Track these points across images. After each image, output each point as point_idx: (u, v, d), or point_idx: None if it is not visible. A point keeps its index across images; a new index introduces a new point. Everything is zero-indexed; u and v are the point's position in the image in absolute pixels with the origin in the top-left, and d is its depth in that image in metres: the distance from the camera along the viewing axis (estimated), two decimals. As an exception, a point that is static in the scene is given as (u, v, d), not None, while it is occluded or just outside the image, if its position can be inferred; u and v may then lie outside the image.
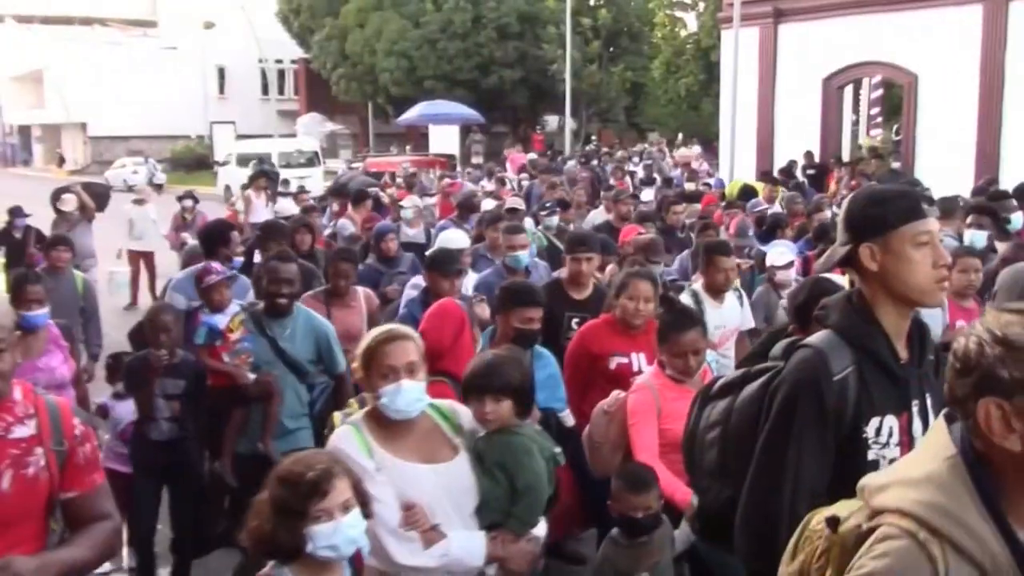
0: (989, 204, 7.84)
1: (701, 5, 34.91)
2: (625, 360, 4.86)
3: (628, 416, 4.16)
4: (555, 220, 9.46)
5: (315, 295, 6.22)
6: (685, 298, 5.67)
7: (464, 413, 3.27)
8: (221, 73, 50.18)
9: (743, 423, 2.59)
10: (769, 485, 2.40)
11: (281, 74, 50.75)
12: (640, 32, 39.72)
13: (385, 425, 3.07)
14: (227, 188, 16.77)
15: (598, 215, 10.80)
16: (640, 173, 20.27)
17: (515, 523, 3.25)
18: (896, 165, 19.00)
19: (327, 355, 5.23)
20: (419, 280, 6.46)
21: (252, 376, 5.04)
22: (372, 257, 8.16)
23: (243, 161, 29.71)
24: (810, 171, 19.51)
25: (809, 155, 20.09)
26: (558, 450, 3.44)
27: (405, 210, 10.39)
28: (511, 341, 4.65)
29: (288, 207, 12.06)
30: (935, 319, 4.93)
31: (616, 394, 4.29)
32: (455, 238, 7.24)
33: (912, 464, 1.75)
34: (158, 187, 37.17)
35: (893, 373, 2.41)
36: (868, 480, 1.79)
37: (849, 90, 22.19)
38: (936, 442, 1.73)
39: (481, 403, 3.25)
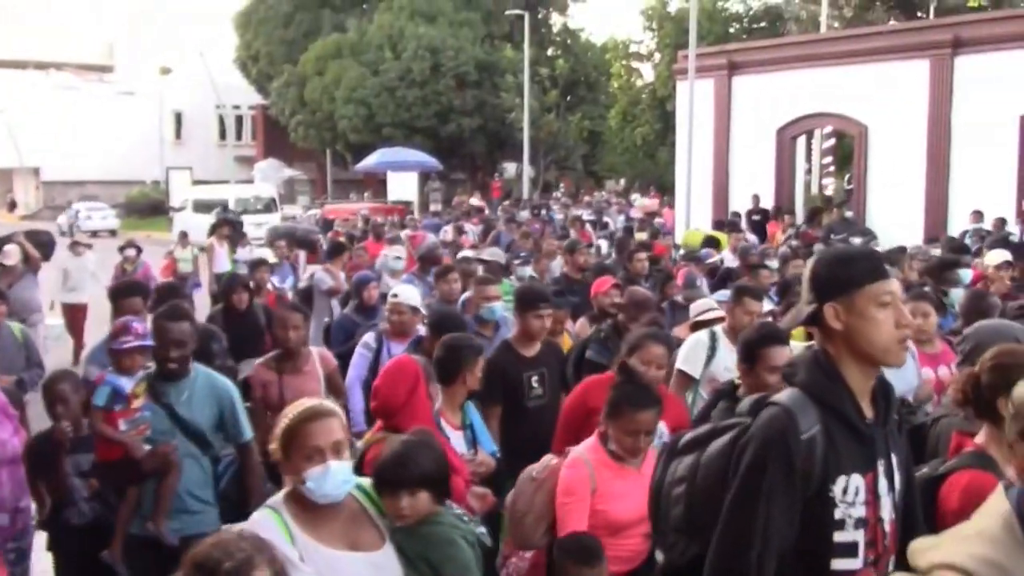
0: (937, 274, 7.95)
1: (656, 56, 35.52)
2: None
3: (559, 493, 3.83)
4: (528, 271, 9.38)
5: (264, 362, 5.72)
6: (702, 337, 5.55)
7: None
8: (178, 118, 49.97)
9: (710, 478, 2.56)
10: (737, 542, 2.38)
11: (239, 120, 50.66)
12: (597, 82, 40.35)
13: (307, 508, 2.80)
14: (183, 234, 16.50)
15: (556, 266, 10.74)
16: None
17: None
18: (849, 214, 19.33)
19: (231, 421, 4.62)
20: (370, 339, 6.18)
21: (147, 448, 4.48)
22: (350, 307, 7.93)
23: (200, 207, 29.54)
24: (755, 216, 19.81)
25: (756, 199, 20.40)
26: (482, 530, 3.25)
27: (397, 260, 9.86)
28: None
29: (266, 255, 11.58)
30: (907, 371, 4.94)
31: (547, 459, 3.99)
32: (409, 294, 6.53)
33: (965, 523, 1.78)
34: (111, 232, 36.85)
35: (859, 432, 2.42)
36: (917, 543, 1.80)
37: (802, 140, 22.62)
38: (992, 502, 1.76)
39: (396, 498, 2.96)
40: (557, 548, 3.57)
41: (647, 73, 36.95)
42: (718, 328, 5.74)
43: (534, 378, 5.35)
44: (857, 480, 2.39)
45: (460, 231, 17.54)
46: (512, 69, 35.46)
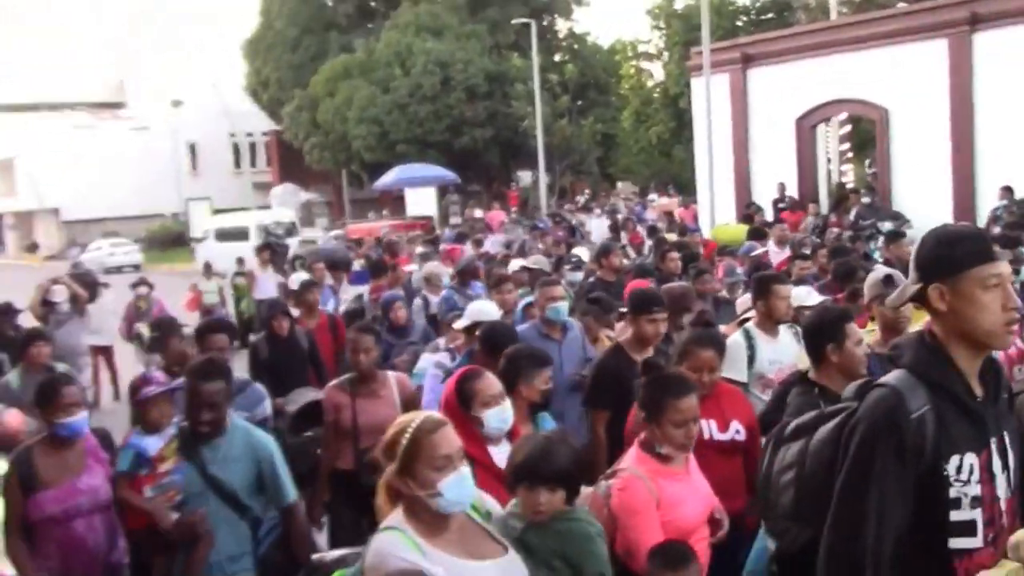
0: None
1: (666, 55, 35.43)
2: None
3: (624, 515, 3.56)
4: (579, 275, 9.31)
5: (338, 384, 5.52)
6: (738, 339, 5.49)
7: (488, 498, 3.05)
8: (192, 149, 50.27)
9: (818, 465, 2.56)
10: (852, 527, 2.36)
11: (252, 147, 50.92)
12: (607, 84, 40.31)
13: (427, 523, 2.77)
14: (207, 265, 16.44)
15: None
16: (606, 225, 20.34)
17: None
18: (867, 200, 19.15)
19: (272, 481, 4.17)
20: (442, 358, 6.04)
21: (175, 516, 4.13)
22: (382, 328, 7.97)
23: (221, 236, 29.64)
24: (781, 205, 19.66)
25: (782, 187, 20.26)
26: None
27: (445, 277, 9.80)
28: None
29: (297, 277, 11.14)
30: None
31: (587, 491, 3.59)
32: (487, 310, 6.39)
33: None
34: (135, 267, 37.05)
35: (969, 410, 2.39)
36: (1018, 537, 1.81)
37: (822, 128, 22.48)
38: None
39: (534, 493, 3.08)
40: (650, 561, 3.37)
41: (657, 72, 36.89)
42: (750, 325, 5.69)
43: None
44: (971, 459, 2.36)
45: (479, 244, 17.47)
46: (521, 77, 35.47)
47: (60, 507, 4.30)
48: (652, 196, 33.90)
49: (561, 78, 36.67)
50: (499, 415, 3.89)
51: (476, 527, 2.91)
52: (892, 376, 2.43)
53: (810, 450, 2.60)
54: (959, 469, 2.35)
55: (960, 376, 2.40)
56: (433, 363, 6.04)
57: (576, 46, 42.56)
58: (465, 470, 2.80)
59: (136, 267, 37.22)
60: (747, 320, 5.88)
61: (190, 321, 11.00)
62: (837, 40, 20.18)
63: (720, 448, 4.47)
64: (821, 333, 4.06)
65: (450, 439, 2.81)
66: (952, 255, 2.39)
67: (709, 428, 4.42)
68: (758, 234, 12.24)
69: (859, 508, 2.35)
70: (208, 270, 15.82)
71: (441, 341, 7.09)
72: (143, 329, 10.83)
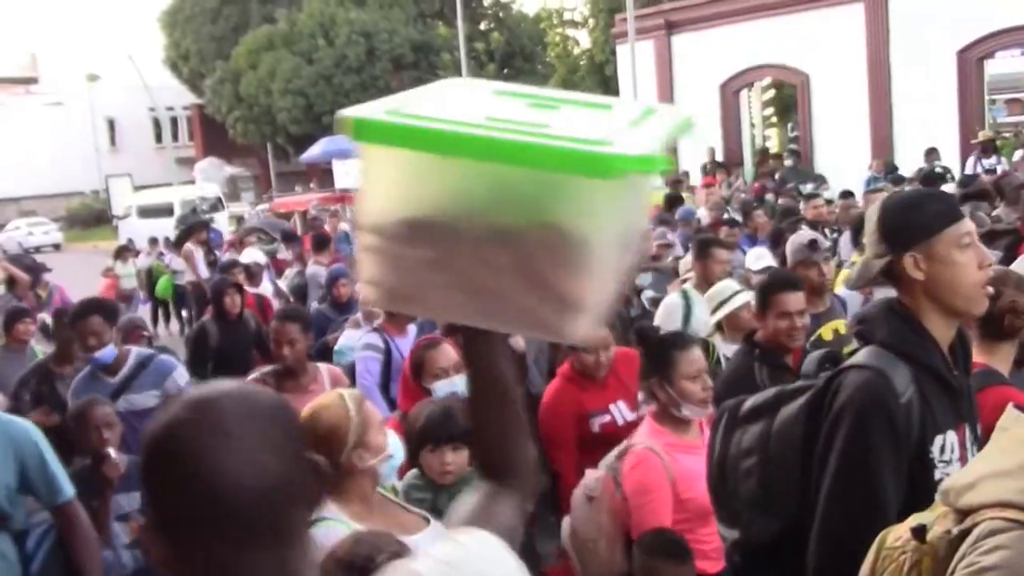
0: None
1: (591, 22, 35.44)
2: (607, 418, 4.25)
3: (633, 495, 3.34)
4: None
5: (260, 378, 4.63)
6: (675, 299, 5.58)
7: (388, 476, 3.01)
8: (111, 125, 48.95)
9: (785, 447, 2.41)
10: (847, 520, 2.21)
11: (174, 121, 49.69)
12: (534, 52, 40.18)
13: (356, 506, 2.74)
14: (121, 248, 15.90)
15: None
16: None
17: None
18: (789, 163, 19.52)
19: (40, 478, 3.39)
20: (375, 340, 5.57)
21: None
22: (323, 303, 7.75)
23: (144, 212, 29.04)
24: (719, 168, 19.94)
25: (712, 152, 20.52)
26: None
27: None
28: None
29: (255, 255, 10.64)
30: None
31: (595, 475, 3.46)
32: None
33: (998, 458, 1.71)
34: (55, 247, 36.08)
35: (950, 386, 2.31)
36: (950, 483, 1.73)
37: (745, 93, 22.79)
38: (1020, 432, 1.72)
39: (439, 454, 3.11)
40: (640, 549, 3.15)
41: (583, 40, 36.88)
42: (688, 286, 5.80)
43: None
44: (952, 437, 2.28)
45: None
46: (447, 47, 35.23)
47: None
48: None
49: (487, 47, 36.50)
50: (447, 388, 3.82)
51: (394, 504, 2.94)
52: (869, 355, 2.31)
53: (774, 432, 2.45)
54: (942, 449, 2.27)
55: (939, 350, 2.31)
56: (363, 344, 5.65)
57: (501, 14, 42.30)
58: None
59: (56, 247, 36.28)
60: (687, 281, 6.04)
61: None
62: (759, 6, 20.43)
63: (633, 428, 4.01)
64: (758, 297, 4.12)
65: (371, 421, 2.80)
66: (922, 219, 2.28)
67: (620, 411, 4.22)
68: (676, 200, 12.41)
69: (855, 502, 2.22)
70: (124, 252, 15.04)
71: (360, 316, 6.89)
72: (47, 319, 10.18)
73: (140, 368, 4.91)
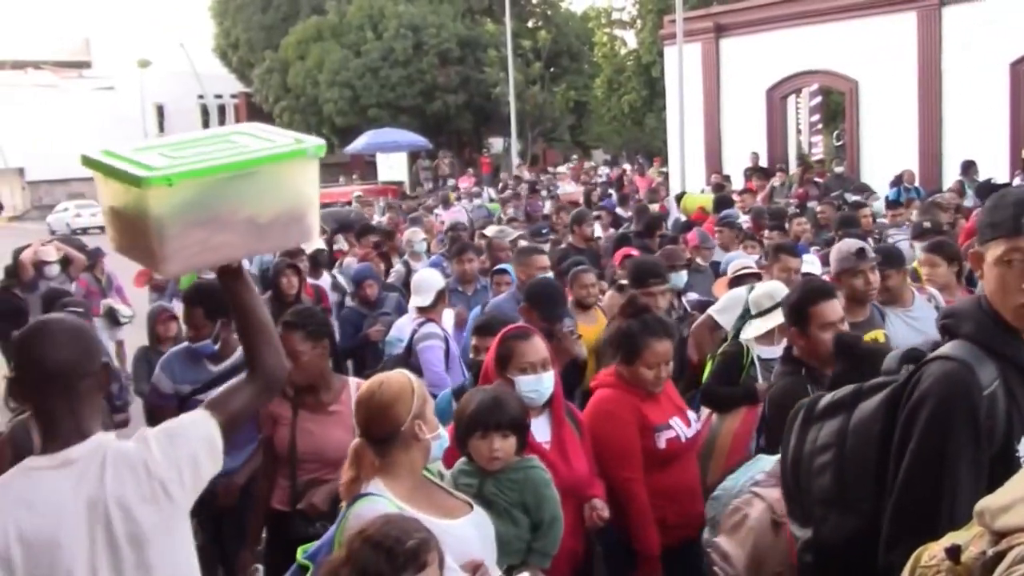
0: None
1: (639, 23, 35.34)
2: (672, 433, 4.05)
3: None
4: (547, 247, 9.29)
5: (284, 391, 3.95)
6: (742, 293, 5.38)
7: (435, 463, 3.10)
8: (160, 111, 49.58)
9: (864, 443, 2.32)
10: (921, 513, 2.15)
11: (222, 109, 50.29)
12: (580, 52, 40.15)
13: (405, 486, 2.83)
14: None
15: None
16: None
17: (540, 558, 3.23)
18: (839, 169, 19.38)
19: None
20: (432, 328, 5.78)
21: None
22: (355, 301, 7.81)
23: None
24: (756, 173, 19.75)
25: (755, 156, 20.39)
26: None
27: (418, 243, 9.70)
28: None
29: (319, 243, 10.27)
30: (928, 322, 4.97)
31: (775, 496, 3.00)
32: (430, 279, 6.26)
33: None
34: (102, 229, 36.61)
35: None
36: (986, 503, 1.69)
37: (792, 99, 22.64)
38: None
39: (488, 440, 3.16)
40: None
41: (630, 40, 36.77)
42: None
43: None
44: None
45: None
46: (494, 43, 35.25)
47: None
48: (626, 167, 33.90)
49: (534, 44, 36.50)
50: (533, 384, 3.61)
51: (439, 489, 3.00)
52: (954, 348, 2.22)
53: (851, 427, 2.37)
54: None
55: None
56: (425, 333, 5.75)
57: (549, 12, 42.28)
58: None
59: (102, 229, 36.78)
60: (739, 280, 5.97)
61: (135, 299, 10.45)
62: (809, 11, 20.29)
63: (694, 445, 4.22)
64: (791, 312, 3.92)
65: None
66: (988, 221, 2.21)
67: (680, 427, 4.07)
68: (725, 203, 12.33)
69: (930, 494, 2.14)
70: None
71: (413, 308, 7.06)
72: (114, 304, 9.94)
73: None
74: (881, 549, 2.22)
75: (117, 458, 2.29)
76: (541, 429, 3.63)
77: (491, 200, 20.34)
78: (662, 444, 3.94)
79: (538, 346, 3.67)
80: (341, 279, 8.94)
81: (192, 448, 2.35)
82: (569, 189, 18.91)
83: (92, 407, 2.36)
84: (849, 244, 5.07)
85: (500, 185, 24.39)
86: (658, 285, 5.19)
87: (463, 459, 3.31)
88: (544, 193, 20.89)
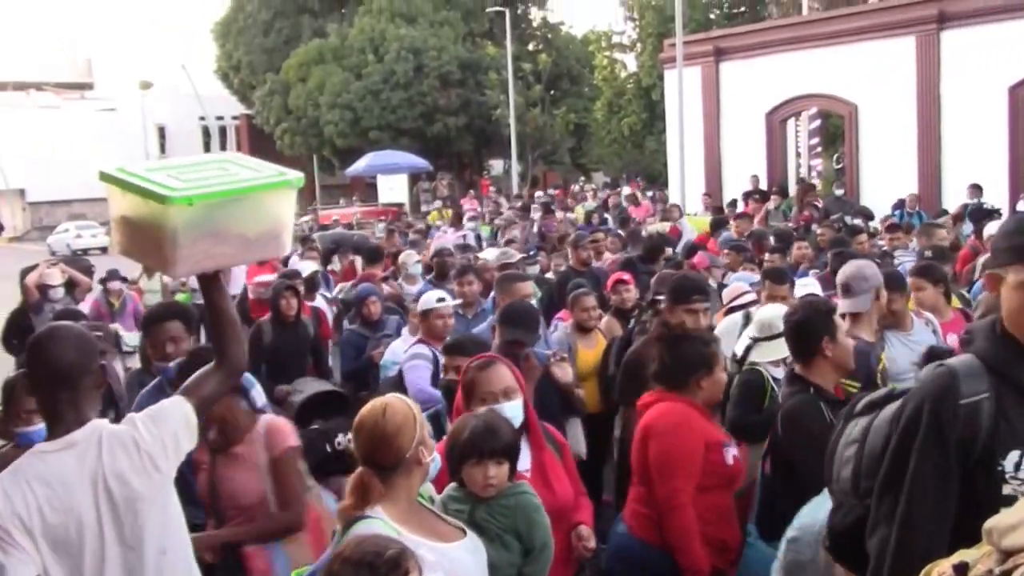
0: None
1: (639, 46, 35.55)
2: (735, 450, 3.95)
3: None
4: (536, 270, 9.26)
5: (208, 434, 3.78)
6: (736, 319, 5.59)
7: (428, 484, 3.10)
8: (161, 132, 49.80)
9: (876, 443, 2.48)
10: (892, 506, 2.30)
11: (223, 131, 50.45)
12: (580, 75, 40.37)
13: (402, 510, 2.86)
14: None
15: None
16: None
17: None
18: (839, 192, 19.41)
19: None
20: (423, 350, 5.71)
21: None
22: (356, 323, 7.73)
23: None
24: (755, 197, 19.79)
25: (755, 180, 20.40)
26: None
27: (412, 266, 9.63)
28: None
29: (312, 267, 10.29)
30: (929, 342, 5.00)
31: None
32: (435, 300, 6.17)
33: None
34: (102, 250, 36.68)
35: None
36: (995, 522, 1.72)
37: (791, 122, 22.73)
38: None
39: (483, 467, 3.12)
40: None
41: (630, 63, 37.00)
42: (753, 309, 5.77)
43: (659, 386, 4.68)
44: None
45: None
46: (495, 66, 35.44)
47: None
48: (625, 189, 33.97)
49: (534, 67, 36.68)
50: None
51: (431, 513, 3.00)
52: (957, 359, 2.34)
53: (873, 426, 2.52)
54: (1018, 466, 2.20)
55: None
56: (411, 354, 5.79)
57: (550, 35, 42.57)
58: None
59: (103, 250, 36.90)
60: (735, 308, 6.01)
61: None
62: (808, 36, 20.41)
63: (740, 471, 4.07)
64: (815, 328, 3.92)
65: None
66: (1006, 245, 2.29)
67: (732, 453, 3.93)
68: (720, 224, 12.36)
69: (897, 489, 2.27)
70: (150, 268, 13.85)
71: (405, 330, 6.99)
72: (120, 331, 9.55)
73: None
74: (867, 532, 2.36)
75: (111, 438, 2.78)
76: (521, 457, 3.54)
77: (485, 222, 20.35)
78: (730, 460, 3.85)
79: (499, 375, 3.61)
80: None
81: (172, 427, 2.84)
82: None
83: (91, 400, 2.86)
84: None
85: (491, 208, 24.37)
86: (701, 302, 5.02)
87: (452, 485, 3.28)
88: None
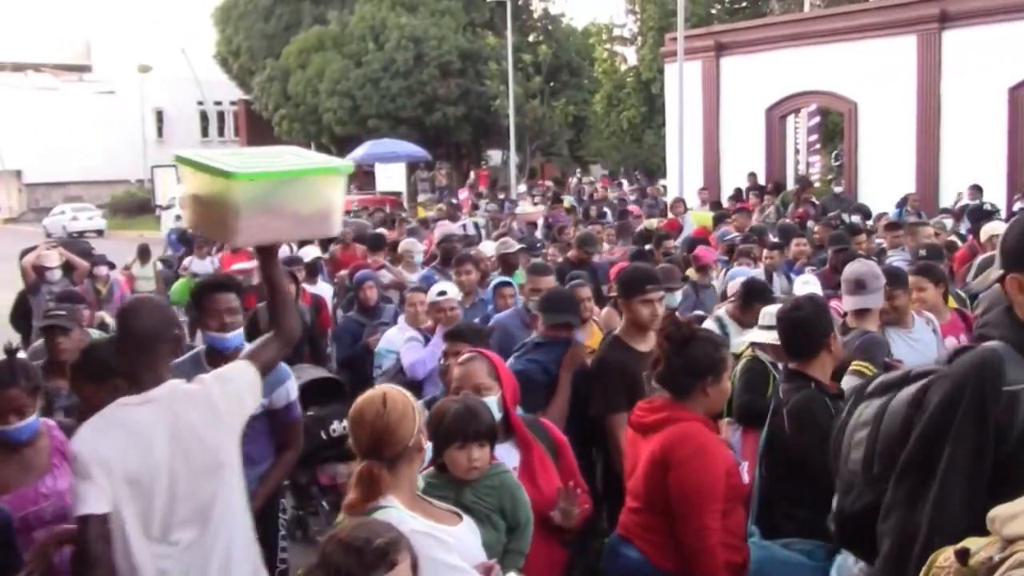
0: None
1: (640, 40, 35.50)
2: (745, 465, 3.77)
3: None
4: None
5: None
6: (710, 324, 5.60)
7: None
8: (159, 116, 49.60)
9: (894, 425, 2.40)
10: (916, 484, 2.22)
11: (221, 116, 50.35)
12: (580, 67, 40.26)
13: (410, 498, 2.88)
14: (142, 248, 14.21)
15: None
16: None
17: (515, 557, 3.29)
18: (838, 189, 19.43)
19: None
20: (415, 335, 5.93)
21: None
22: (353, 309, 7.76)
23: (188, 204, 29.42)
24: (752, 192, 19.81)
25: (753, 176, 20.43)
26: None
27: (416, 255, 9.70)
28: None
29: (314, 251, 10.41)
30: (929, 345, 5.02)
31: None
32: (454, 291, 6.28)
33: None
34: (98, 232, 36.61)
35: None
36: (998, 511, 1.75)
37: (791, 119, 22.74)
38: None
39: (467, 451, 3.19)
40: None
41: (630, 57, 36.91)
42: (722, 313, 5.85)
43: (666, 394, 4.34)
44: None
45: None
46: (495, 57, 35.34)
47: (16, 515, 3.58)
48: (623, 182, 33.96)
49: (534, 59, 36.57)
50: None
51: (427, 500, 3.02)
52: (993, 344, 2.26)
53: (889, 408, 2.45)
54: None
55: None
56: (407, 337, 5.94)
57: (550, 27, 42.43)
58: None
59: (99, 232, 36.83)
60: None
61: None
62: (809, 32, 20.42)
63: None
64: (821, 324, 3.91)
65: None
66: None
67: (745, 470, 3.74)
68: (722, 219, 12.40)
69: (928, 467, 2.19)
70: (145, 253, 13.37)
71: (401, 318, 7.02)
72: (106, 318, 9.24)
73: None
74: (880, 516, 2.29)
75: (185, 395, 3.15)
76: (508, 455, 3.57)
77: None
78: (746, 479, 3.63)
79: (474, 371, 3.65)
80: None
81: (239, 387, 3.23)
82: (528, 209, 18.70)
83: (167, 363, 3.23)
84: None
85: (486, 200, 24.29)
86: (655, 291, 4.66)
87: (430, 471, 3.30)
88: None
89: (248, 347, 3.49)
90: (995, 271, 2.34)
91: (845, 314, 5.10)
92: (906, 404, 2.39)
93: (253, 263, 9.16)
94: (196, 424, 3.08)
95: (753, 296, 5.77)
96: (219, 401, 3.14)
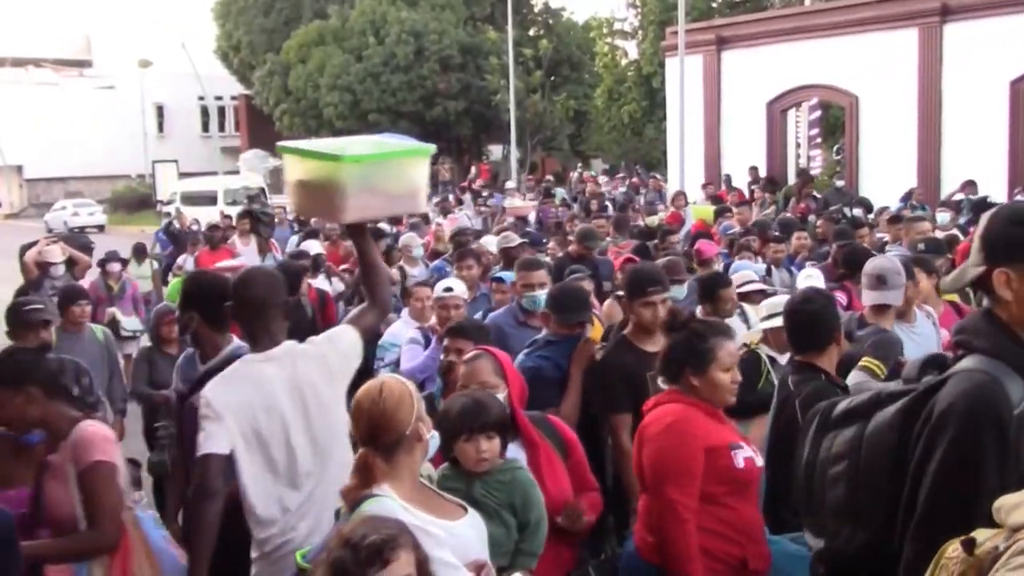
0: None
1: (641, 34, 35.42)
2: (748, 452, 3.58)
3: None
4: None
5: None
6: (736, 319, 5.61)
7: (424, 465, 3.09)
8: (160, 111, 49.60)
9: (876, 455, 2.24)
10: (947, 525, 1.98)
11: (222, 111, 50.31)
12: (581, 61, 40.21)
13: (408, 488, 2.85)
14: (138, 247, 13.99)
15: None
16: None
17: (526, 558, 3.25)
18: (840, 183, 19.43)
19: None
20: (417, 335, 5.85)
21: None
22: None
23: (188, 200, 29.39)
24: (754, 186, 19.82)
25: (754, 171, 20.43)
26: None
27: (416, 249, 9.67)
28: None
29: (317, 247, 10.31)
30: (929, 338, 5.01)
31: None
32: (460, 288, 6.10)
33: None
34: (99, 228, 36.62)
35: None
36: (1003, 500, 1.73)
37: (792, 113, 22.72)
38: None
39: (474, 443, 3.19)
40: None
41: (631, 51, 36.85)
42: (748, 309, 5.85)
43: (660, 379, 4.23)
44: None
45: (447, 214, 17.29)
46: (495, 51, 35.29)
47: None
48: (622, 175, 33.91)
49: (535, 53, 36.50)
50: None
51: (434, 492, 3.02)
52: (978, 361, 2.11)
53: (866, 438, 2.28)
54: None
55: None
56: (409, 338, 5.90)
57: (551, 21, 42.38)
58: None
59: (100, 228, 36.84)
60: (743, 296, 6.07)
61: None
62: (810, 26, 20.39)
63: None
64: (831, 317, 3.90)
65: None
66: (1021, 237, 2.09)
67: (752, 452, 3.61)
68: (724, 213, 12.43)
69: (952, 510, 2.02)
70: (141, 252, 13.11)
71: (405, 312, 6.95)
72: (118, 315, 9.48)
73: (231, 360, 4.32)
74: (905, 559, 2.12)
75: (302, 353, 3.51)
76: (514, 455, 3.53)
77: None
78: (740, 463, 3.47)
79: (479, 369, 3.64)
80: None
81: (346, 347, 3.58)
82: (517, 203, 18.62)
83: (280, 325, 3.57)
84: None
85: (484, 195, 24.26)
86: (657, 293, 4.59)
87: (445, 464, 3.32)
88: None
89: (351, 313, 3.88)
90: (973, 268, 2.19)
91: (849, 306, 5.10)
92: (889, 430, 2.24)
93: (236, 261, 9.29)
94: (314, 379, 3.43)
95: (709, 289, 5.77)
96: (332, 359, 3.50)
